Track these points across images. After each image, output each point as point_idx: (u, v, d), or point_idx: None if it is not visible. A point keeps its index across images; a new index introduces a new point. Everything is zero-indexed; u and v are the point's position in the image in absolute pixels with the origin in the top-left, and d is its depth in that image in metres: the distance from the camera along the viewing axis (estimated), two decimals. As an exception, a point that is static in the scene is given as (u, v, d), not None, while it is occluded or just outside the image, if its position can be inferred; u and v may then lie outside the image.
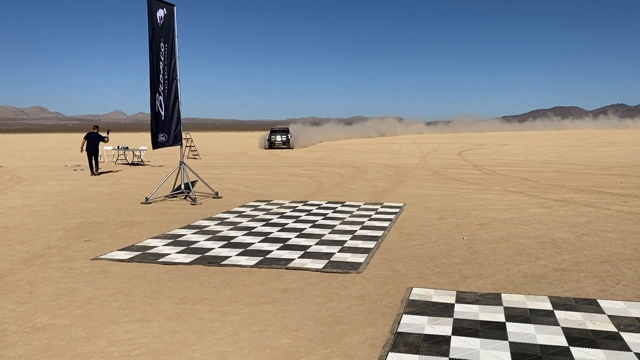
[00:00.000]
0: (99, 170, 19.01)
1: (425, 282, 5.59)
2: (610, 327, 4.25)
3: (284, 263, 6.33)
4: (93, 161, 18.75)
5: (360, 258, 6.52)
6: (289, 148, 39.88)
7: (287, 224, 8.88)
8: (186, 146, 27.57)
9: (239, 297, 5.19)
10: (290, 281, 5.67)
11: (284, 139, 40.66)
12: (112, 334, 4.29)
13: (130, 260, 6.60)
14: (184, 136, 28.82)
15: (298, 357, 3.83)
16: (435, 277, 5.77)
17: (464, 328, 4.28)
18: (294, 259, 6.50)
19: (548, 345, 3.92)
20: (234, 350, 3.95)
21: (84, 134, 19.27)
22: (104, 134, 19.04)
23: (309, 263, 6.31)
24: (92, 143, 18.72)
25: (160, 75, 11.55)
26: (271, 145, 40.44)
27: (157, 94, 11.58)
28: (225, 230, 8.36)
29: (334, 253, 6.78)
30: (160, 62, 11.53)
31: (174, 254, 6.83)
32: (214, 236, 7.93)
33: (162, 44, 11.47)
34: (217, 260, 6.49)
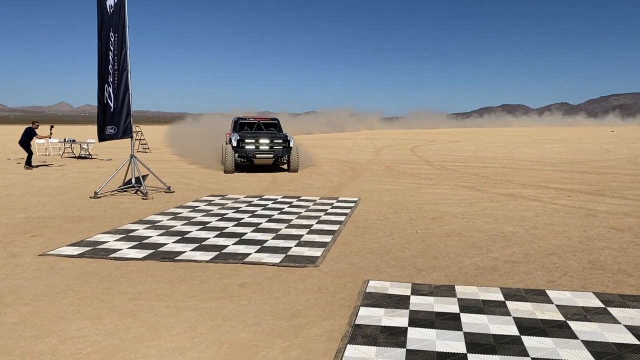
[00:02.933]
0: (32, 165, 18.30)
1: (381, 275, 5.66)
2: (558, 317, 4.43)
3: (240, 258, 6.27)
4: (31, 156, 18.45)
5: (317, 252, 6.53)
6: (288, 170, 17.12)
7: (243, 218, 8.81)
8: (136, 139, 26.90)
9: (195, 292, 5.10)
10: (247, 276, 5.63)
11: (278, 146, 16.90)
12: (63, 332, 4.14)
13: (80, 255, 6.39)
14: (133, 129, 28.13)
15: (256, 352, 3.81)
16: (390, 269, 5.85)
17: (420, 319, 4.36)
18: (251, 254, 6.45)
19: (501, 335, 4.04)
20: (191, 345, 3.89)
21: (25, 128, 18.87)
22: (39, 131, 18.77)
23: (266, 257, 6.27)
24: (23, 137, 18.40)
25: (110, 66, 11.20)
26: (247, 159, 16.65)
27: (106, 85, 11.23)
28: (178, 225, 8.20)
29: (290, 247, 6.77)
30: (110, 52, 11.18)
31: (126, 250, 6.65)
32: (167, 231, 7.77)
33: (111, 33, 11.12)
34: (172, 256, 6.36)
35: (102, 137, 11.51)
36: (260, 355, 3.75)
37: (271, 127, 18.56)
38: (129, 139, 12.00)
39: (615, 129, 79.52)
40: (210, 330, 4.19)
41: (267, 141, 16.61)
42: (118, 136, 11.57)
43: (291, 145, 16.76)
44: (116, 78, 11.37)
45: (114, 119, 11.45)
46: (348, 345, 3.85)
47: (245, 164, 16.55)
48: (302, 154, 18.85)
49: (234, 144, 16.38)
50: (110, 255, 6.36)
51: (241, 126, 18.19)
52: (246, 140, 16.50)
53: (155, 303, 4.81)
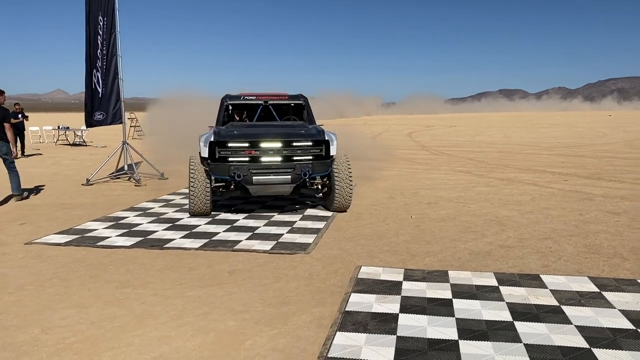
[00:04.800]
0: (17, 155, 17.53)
1: (374, 260, 5.57)
2: (552, 301, 4.35)
3: (230, 245, 6.17)
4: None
5: (309, 238, 6.43)
6: (328, 207, 8.13)
7: (235, 205, 8.70)
8: (131, 126, 26.69)
9: (183, 280, 5.01)
10: (238, 263, 5.53)
11: (303, 154, 7.53)
12: (47, 321, 4.05)
13: (68, 244, 6.28)
14: (128, 116, 27.84)
15: (244, 340, 3.72)
16: (383, 255, 5.76)
17: (411, 305, 4.27)
18: (242, 241, 6.34)
19: (493, 321, 3.96)
20: (177, 334, 3.80)
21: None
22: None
23: (257, 244, 6.17)
24: None
25: (98, 51, 11.01)
26: (236, 186, 7.64)
27: (94, 70, 11.05)
28: (170, 213, 8.09)
29: (282, 234, 6.67)
30: (99, 37, 10.98)
31: (115, 237, 6.54)
32: (158, 218, 7.66)
33: (100, 17, 10.91)
34: (160, 243, 6.26)
35: (90, 122, 11.35)
36: (247, 343, 3.66)
37: (288, 114, 9.69)
38: (122, 125, 11.83)
39: (613, 112, 79.30)
40: (197, 318, 4.10)
41: (277, 145, 7.45)
42: (107, 122, 11.41)
43: (332, 153, 7.76)
44: (105, 63, 11.18)
45: (102, 105, 11.28)
46: (337, 332, 3.77)
47: (233, 194, 7.95)
48: None
49: (205, 152, 7.44)
50: (99, 243, 6.26)
51: (234, 113, 9.47)
52: (230, 145, 7.39)
53: (142, 291, 4.71)
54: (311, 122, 8.87)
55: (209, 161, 7.42)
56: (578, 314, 4.08)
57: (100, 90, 11.15)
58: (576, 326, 3.84)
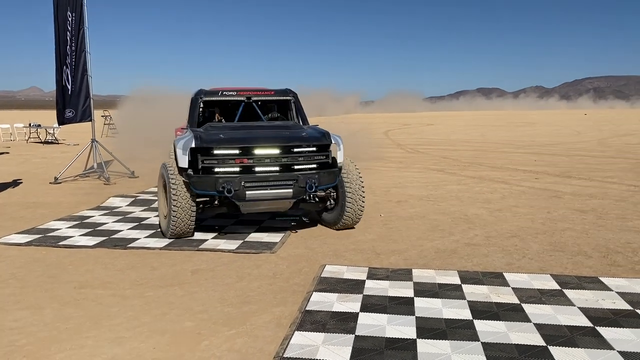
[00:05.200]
0: None
1: (340, 259, 5.54)
2: (513, 299, 4.36)
3: (196, 244, 6.08)
4: None
5: (276, 237, 6.37)
6: (334, 225, 6.75)
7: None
8: (105, 124, 26.30)
9: (143, 280, 4.91)
10: (201, 262, 5.45)
11: (306, 163, 6.26)
12: (-3, 324, 3.93)
13: (29, 244, 6.12)
14: (102, 113, 27.36)
15: (200, 340, 3.66)
16: (349, 254, 5.73)
17: (372, 304, 4.24)
18: (207, 240, 6.26)
19: (453, 319, 3.95)
20: (132, 335, 3.72)
21: None
22: None
23: (223, 244, 6.09)
24: None
25: (67, 47, 10.77)
26: (222, 203, 6.33)
27: (65, 67, 10.82)
28: (137, 212, 7.96)
29: (249, 233, 6.60)
30: (67, 33, 10.75)
31: (78, 237, 6.40)
32: (124, 217, 7.52)
33: (68, 12, 10.68)
34: (124, 243, 6.14)
35: (62, 120, 11.12)
36: (203, 344, 3.60)
37: (275, 112, 8.12)
38: (91, 123, 11.61)
39: (588, 111, 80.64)
40: (155, 319, 4.02)
41: (275, 151, 6.19)
42: (76, 119, 11.19)
43: (340, 159, 6.65)
44: (74, 59, 10.95)
45: (71, 102, 11.05)
46: (296, 331, 3.72)
47: (217, 211, 6.55)
48: None
49: (184, 161, 6.03)
50: (60, 243, 6.12)
51: (210, 113, 7.88)
52: (217, 152, 6.05)
53: (101, 291, 4.61)
54: (303, 123, 7.55)
55: (189, 172, 5.91)
56: (538, 311, 4.09)
57: (69, 87, 10.93)
58: (535, 324, 3.85)
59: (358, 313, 4.07)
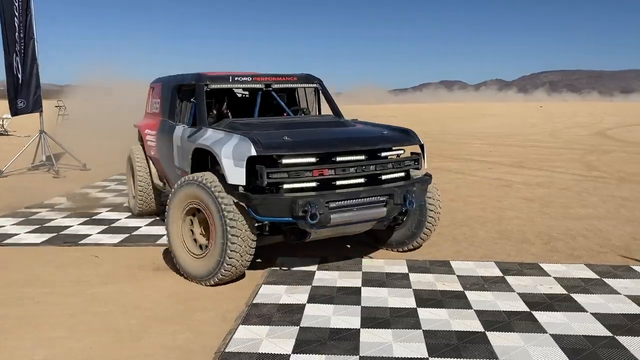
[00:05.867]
0: None
1: (294, 251, 5.50)
2: (457, 287, 4.45)
3: (153, 240, 5.98)
4: None
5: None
6: (400, 247, 5.45)
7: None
8: (59, 114, 25.51)
9: (87, 277, 4.80)
10: (155, 258, 5.35)
11: (395, 171, 4.81)
12: None
13: (-31, 242, 5.91)
14: (56, 104, 26.48)
15: (141, 337, 3.60)
16: (303, 246, 5.69)
17: (320, 295, 4.27)
18: (164, 235, 6.15)
19: (398, 308, 4.01)
20: (69, 334, 3.63)
21: None
22: None
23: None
24: None
25: (16, 34, 10.40)
26: (293, 233, 4.67)
27: (15, 55, 10.44)
28: (87, 206, 7.77)
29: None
30: (15, 19, 10.36)
31: (24, 234, 6.21)
32: (74, 212, 7.33)
33: (14, -1, 10.29)
34: (75, 240, 5.99)
35: (15, 111, 10.75)
36: (143, 342, 3.55)
37: (296, 105, 6.70)
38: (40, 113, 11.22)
39: (544, 104, 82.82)
40: (95, 317, 3.93)
41: (360, 157, 4.63)
42: (28, 110, 10.82)
43: (425, 165, 5.30)
44: (23, 47, 10.58)
45: (22, 92, 10.68)
46: (240, 326, 3.71)
47: (271, 241, 4.91)
48: None
49: (238, 176, 4.27)
50: (4, 241, 5.92)
51: (208, 105, 5.79)
52: (288, 160, 4.35)
53: (42, 290, 4.48)
54: (338, 115, 6.29)
55: (248, 192, 4.25)
56: (479, 298, 4.19)
57: (20, 76, 10.54)
58: (475, 310, 3.94)
59: (305, 304, 4.09)
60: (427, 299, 4.20)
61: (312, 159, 4.38)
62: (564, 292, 4.29)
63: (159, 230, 6.34)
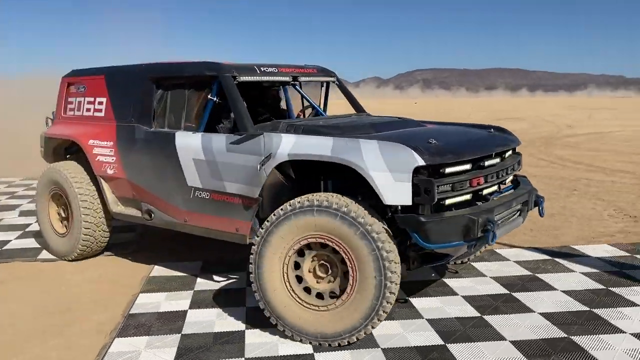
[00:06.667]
0: None
1: (175, 256, 5.28)
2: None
3: (33, 254, 5.44)
4: None
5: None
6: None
7: (20, 205, 7.74)
8: None
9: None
10: (20, 270, 4.91)
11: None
12: None
13: None
14: None
15: (9, 356, 3.28)
16: (182, 249, 5.49)
17: (202, 300, 4.15)
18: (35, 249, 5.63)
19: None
20: None
21: None
22: None
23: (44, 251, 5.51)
24: None
25: None
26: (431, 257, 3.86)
27: None
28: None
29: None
30: None
31: None
32: None
33: None
34: None
35: None
36: (8, 362, 3.22)
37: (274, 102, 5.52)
38: None
39: (418, 100, 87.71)
40: (-52, 342, 3.51)
41: (497, 161, 3.91)
42: None
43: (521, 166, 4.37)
44: None
45: None
46: (116, 338, 3.50)
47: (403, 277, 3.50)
48: None
49: (402, 194, 3.25)
50: None
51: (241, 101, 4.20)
52: (452, 168, 3.43)
53: None
54: (362, 111, 5.70)
55: (415, 214, 3.30)
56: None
57: None
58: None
59: (187, 311, 3.94)
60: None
61: (468, 166, 3.56)
62: (439, 277, 4.55)
63: (33, 244, 5.77)
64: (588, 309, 3.86)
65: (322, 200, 3.31)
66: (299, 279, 3.47)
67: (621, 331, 3.50)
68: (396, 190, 3.24)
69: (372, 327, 3.31)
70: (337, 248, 3.28)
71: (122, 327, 3.66)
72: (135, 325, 3.69)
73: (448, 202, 3.39)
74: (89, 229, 4.91)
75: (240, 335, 3.54)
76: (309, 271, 3.47)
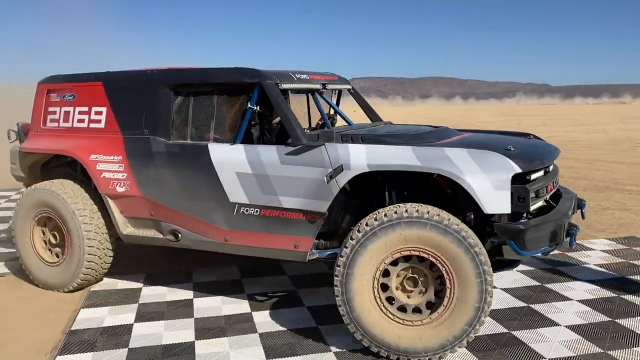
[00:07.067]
0: None
1: (117, 269, 5.09)
2: (290, 287, 4.55)
3: None
4: None
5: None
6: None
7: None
8: None
9: None
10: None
11: None
12: None
13: None
14: None
15: None
16: (128, 262, 5.31)
17: (148, 312, 4.05)
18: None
19: (232, 315, 3.98)
20: None
21: None
22: None
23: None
24: None
25: None
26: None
27: None
28: None
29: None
30: None
31: None
32: None
33: None
34: None
35: None
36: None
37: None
38: None
39: (357, 108, 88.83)
40: None
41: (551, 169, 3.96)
42: None
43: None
44: None
45: None
46: (58, 356, 3.36)
47: None
48: None
49: (501, 202, 3.21)
50: None
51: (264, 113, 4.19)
52: (536, 175, 3.58)
53: None
54: (378, 120, 5.67)
55: (512, 222, 3.34)
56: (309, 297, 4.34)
57: None
58: (307, 307, 4.08)
59: (132, 324, 3.84)
60: (261, 302, 4.23)
61: (542, 173, 3.61)
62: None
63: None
64: (526, 304, 4.07)
65: (411, 211, 3.18)
66: (390, 299, 3.31)
67: (557, 324, 3.72)
68: (497, 199, 3.18)
69: (474, 334, 3.22)
70: (433, 260, 3.17)
71: (64, 344, 3.52)
72: (79, 342, 3.56)
73: (532, 208, 3.35)
74: (92, 254, 4.34)
75: (190, 346, 3.48)
76: (396, 288, 3.32)
